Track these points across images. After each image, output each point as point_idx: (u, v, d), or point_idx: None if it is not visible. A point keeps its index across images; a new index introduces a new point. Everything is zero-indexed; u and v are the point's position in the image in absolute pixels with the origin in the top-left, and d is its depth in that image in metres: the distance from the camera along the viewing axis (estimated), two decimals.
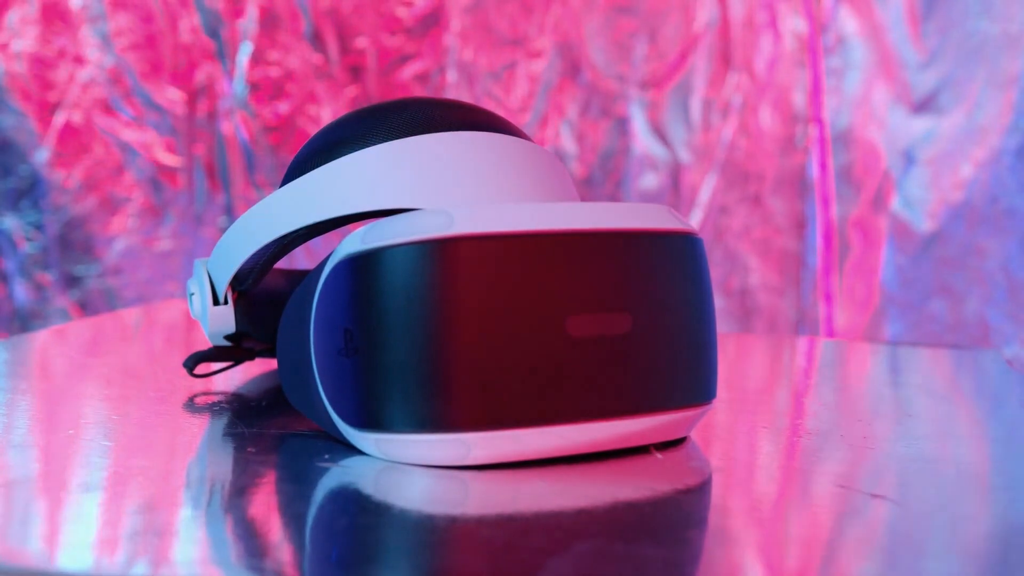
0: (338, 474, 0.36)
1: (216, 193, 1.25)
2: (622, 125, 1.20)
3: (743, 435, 0.44)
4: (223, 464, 0.39)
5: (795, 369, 0.65)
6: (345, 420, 0.37)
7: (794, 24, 1.16)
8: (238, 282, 0.46)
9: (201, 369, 0.53)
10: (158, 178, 1.26)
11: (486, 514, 0.33)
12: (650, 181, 1.19)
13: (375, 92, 1.23)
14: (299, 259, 1.20)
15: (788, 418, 0.48)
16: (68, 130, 1.25)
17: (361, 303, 0.36)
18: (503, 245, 0.35)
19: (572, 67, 1.20)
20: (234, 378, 0.53)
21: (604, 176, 1.20)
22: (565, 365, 0.36)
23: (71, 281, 1.27)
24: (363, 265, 0.36)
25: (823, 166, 1.16)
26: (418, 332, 0.35)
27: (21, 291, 1.27)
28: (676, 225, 0.39)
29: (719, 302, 1.18)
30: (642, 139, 1.19)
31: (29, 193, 1.26)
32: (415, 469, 0.37)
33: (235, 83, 1.25)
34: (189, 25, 1.25)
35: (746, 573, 0.29)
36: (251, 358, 0.50)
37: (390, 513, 0.33)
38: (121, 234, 1.26)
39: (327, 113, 1.24)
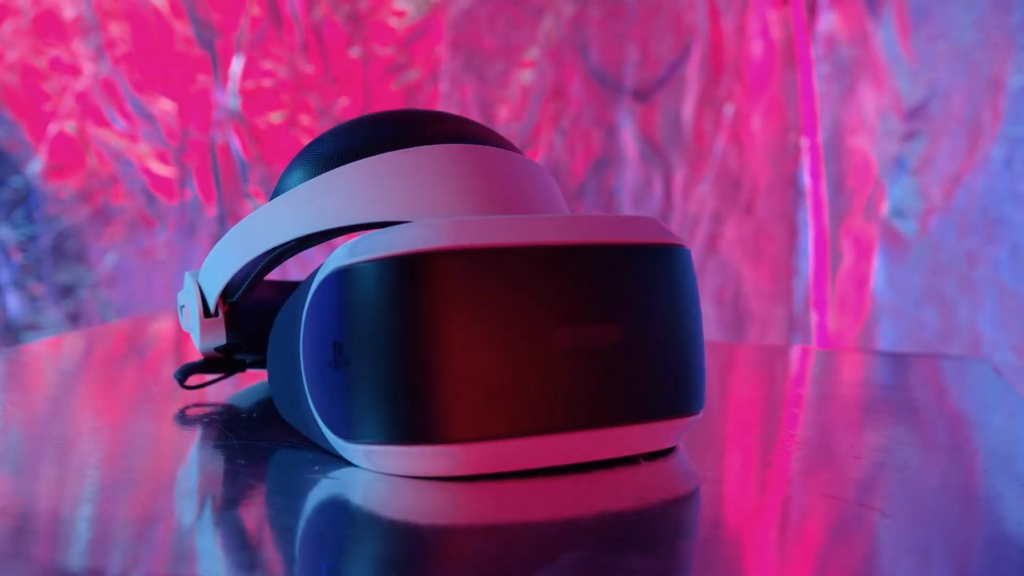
0: (327, 486, 0.37)
1: (209, 203, 1.26)
2: (614, 134, 1.20)
3: (732, 445, 0.44)
4: (213, 476, 0.39)
5: (785, 379, 0.65)
6: (334, 432, 0.37)
7: (785, 33, 1.17)
8: (228, 294, 0.46)
9: (192, 381, 0.53)
10: (151, 189, 1.26)
11: (474, 525, 0.33)
12: (642, 190, 1.20)
13: (367, 102, 1.23)
14: (291, 270, 1.21)
15: (777, 428, 0.48)
16: (61, 141, 1.25)
17: (349, 316, 0.36)
18: (491, 258, 0.36)
19: (564, 76, 1.20)
20: (225, 390, 0.53)
21: (596, 185, 1.20)
22: (553, 377, 0.36)
23: (64, 292, 1.27)
24: (351, 278, 0.36)
25: (815, 174, 1.17)
26: (406, 345, 0.35)
27: (14, 302, 1.27)
28: (664, 237, 0.39)
29: (712, 310, 1.18)
30: (634, 148, 1.20)
31: (22, 204, 1.26)
32: (404, 480, 0.37)
33: (228, 94, 1.25)
34: (182, 36, 1.25)
35: None
36: (242, 370, 0.50)
37: (379, 524, 0.33)
38: (114, 245, 1.26)
39: (319, 124, 1.24)
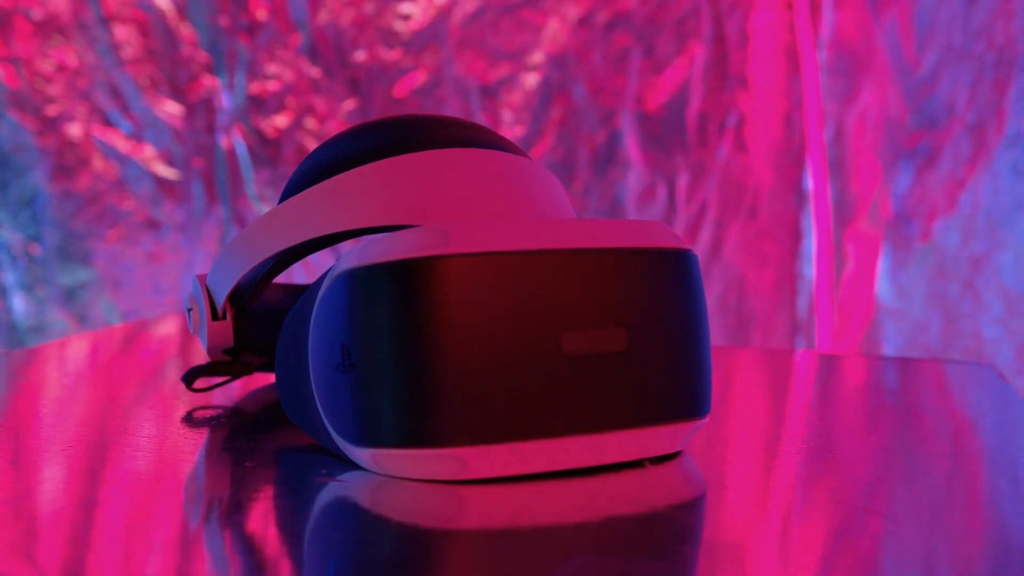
0: (335, 489, 0.37)
1: (214, 206, 1.26)
2: (618, 139, 1.20)
3: (737, 449, 0.44)
4: (221, 479, 0.39)
5: (790, 383, 0.65)
6: (342, 435, 0.38)
7: (789, 37, 1.17)
8: (236, 297, 0.46)
9: (199, 384, 0.54)
10: (157, 191, 1.26)
11: (481, 529, 0.33)
12: (645, 194, 1.20)
13: (372, 105, 1.23)
14: (297, 274, 1.21)
15: (782, 432, 0.49)
16: (67, 144, 1.26)
17: (358, 319, 0.36)
18: (498, 262, 0.36)
19: (568, 81, 1.20)
20: (232, 393, 0.53)
21: (600, 190, 1.20)
22: (559, 381, 0.36)
23: (70, 294, 1.27)
24: (359, 281, 0.36)
25: (819, 178, 1.17)
26: (414, 348, 0.35)
27: (20, 304, 1.27)
28: (671, 242, 0.39)
29: (715, 314, 1.18)
30: (638, 152, 1.20)
31: (28, 206, 1.26)
32: (411, 484, 0.37)
33: (234, 96, 1.25)
34: (188, 39, 1.25)
35: None
36: (249, 373, 0.50)
37: (386, 528, 0.33)
38: (120, 247, 1.27)
39: (325, 126, 1.24)
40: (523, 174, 0.43)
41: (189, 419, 0.47)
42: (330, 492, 0.36)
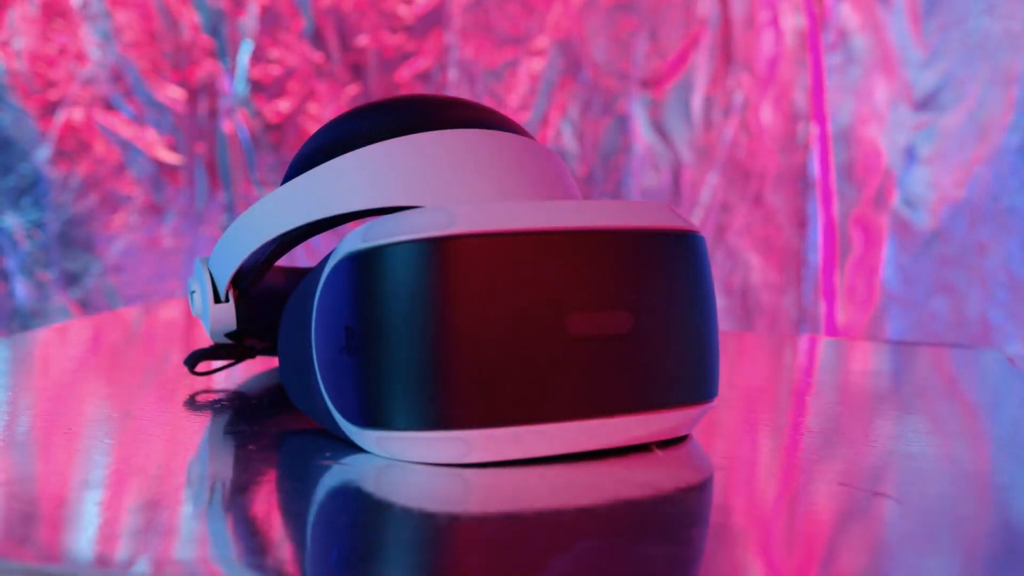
0: (339, 472, 0.36)
1: (217, 191, 1.25)
2: (623, 123, 1.20)
3: (745, 433, 0.44)
4: (224, 462, 0.39)
5: (796, 367, 0.65)
6: (346, 418, 0.37)
7: (795, 21, 1.16)
8: (239, 280, 0.46)
9: (202, 367, 0.53)
10: (159, 176, 1.26)
11: (488, 512, 0.33)
12: (651, 179, 1.19)
13: (376, 90, 1.23)
14: (299, 257, 1.20)
15: (789, 416, 0.48)
16: (69, 128, 1.25)
17: (362, 301, 0.36)
18: (504, 243, 0.35)
19: (573, 65, 1.20)
20: (235, 376, 0.53)
21: (605, 174, 1.20)
22: (565, 363, 0.36)
23: (72, 279, 1.27)
24: (364, 263, 0.36)
25: (824, 164, 1.16)
26: (419, 330, 0.35)
27: (22, 289, 1.27)
28: (678, 223, 0.39)
29: (720, 300, 1.18)
30: (643, 137, 1.19)
31: (30, 191, 1.26)
32: (416, 467, 0.37)
33: (236, 81, 1.25)
34: (190, 23, 1.25)
35: (748, 571, 0.29)
36: (252, 356, 0.50)
37: (391, 511, 0.33)
38: (122, 232, 1.26)
39: (328, 111, 1.24)
40: (528, 154, 0.42)
41: (191, 403, 0.47)
42: (334, 475, 0.36)
